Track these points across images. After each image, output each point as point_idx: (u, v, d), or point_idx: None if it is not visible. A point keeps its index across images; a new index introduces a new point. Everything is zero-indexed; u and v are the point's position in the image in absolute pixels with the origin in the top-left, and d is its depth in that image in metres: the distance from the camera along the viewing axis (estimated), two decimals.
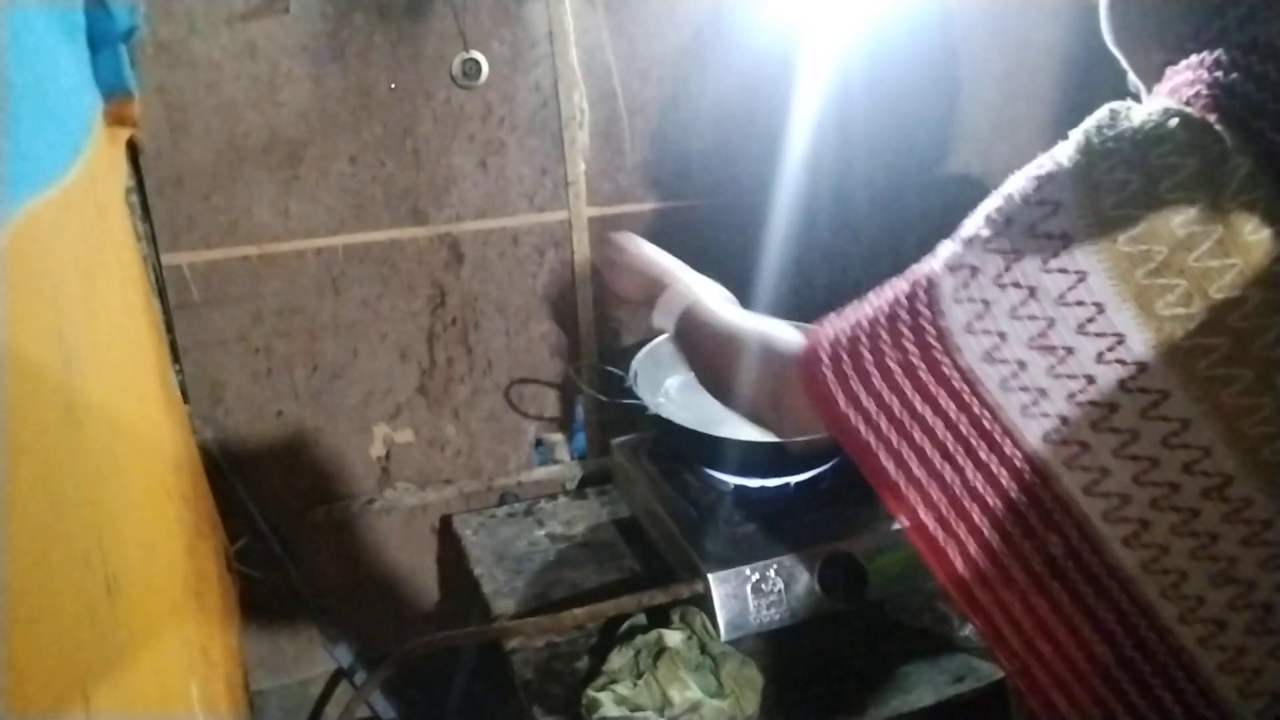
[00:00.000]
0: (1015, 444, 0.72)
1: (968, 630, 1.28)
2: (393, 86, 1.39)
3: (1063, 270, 0.67)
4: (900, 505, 0.77)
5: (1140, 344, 0.66)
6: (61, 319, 0.51)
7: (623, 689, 1.17)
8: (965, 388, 0.72)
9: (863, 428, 0.77)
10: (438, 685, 1.67)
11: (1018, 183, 0.71)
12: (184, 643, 0.84)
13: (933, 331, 0.72)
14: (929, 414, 0.74)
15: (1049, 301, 0.68)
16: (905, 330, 0.74)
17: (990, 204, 0.73)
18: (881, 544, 1.30)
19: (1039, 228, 0.68)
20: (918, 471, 0.76)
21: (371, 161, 1.42)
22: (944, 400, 0.74)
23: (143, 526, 0.71)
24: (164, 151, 1.31)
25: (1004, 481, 0.73)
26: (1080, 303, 0.67)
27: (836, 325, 0.80)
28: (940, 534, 0.76)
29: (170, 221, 1.35)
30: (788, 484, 1.38)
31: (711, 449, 1.35)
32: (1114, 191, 0.65)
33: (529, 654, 1.30)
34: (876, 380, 0.76)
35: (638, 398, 1.36)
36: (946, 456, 0.75)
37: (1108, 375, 0.67)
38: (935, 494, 0.76)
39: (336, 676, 1.68)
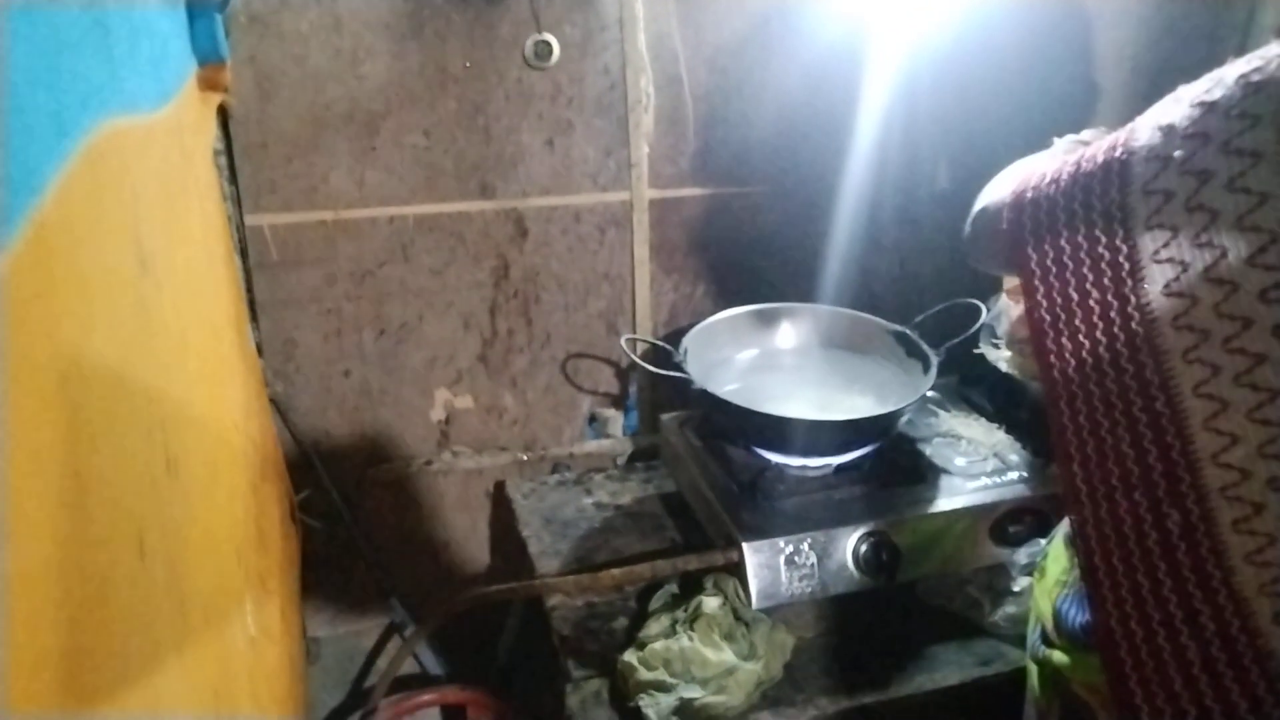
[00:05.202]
0: (1157, 368, 0.73)
1: (998, 616, 1.30)
2: (467, 64, 1.46)
3: (1246, 191, 0.67)
4: (1042, 357, 0.82)
5: None
6: (139, 226, 0.57)
7: (657, 655, 1.21)
8: (1129, 281, 0.74)
9: (1037, 274, 0.82)
10: (486, 643, 1.74)
11: (1224, 88, 0.69)
12: (240, 559, 0.91)
13: (1119, 216, 0.75)
14: (1094, 293, 0.77)
15: (1227, 227, 0.68)
16: (1095, 204, 0.77)
17: (1193, 102, 0.71)
18: (918, 527, 1.32)
19: (1233, 144, 0.67)
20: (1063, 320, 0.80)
21: (444, 136, 1.49)
22: (1109, 291, 0.76)
23: (206, 438, 0.78)
24: (252, 117, 1.40)
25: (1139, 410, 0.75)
26: (1256, 229, 0.66)
27: (1039, 178, 0.84)
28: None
29: (254, 184, 1.43)
30: (830, 464, 1.41)
31: (755, 426, 1.38)
32: None
33: (568, 612, 1.36)
34: (1062, 241, 0.80)
35: (685, 372, 1.41)
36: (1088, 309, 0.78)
37: (1265, 316, 0.67)
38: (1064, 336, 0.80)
39: (390, 630, 1.76)
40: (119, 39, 0.57)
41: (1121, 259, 0.75)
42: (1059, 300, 0.81)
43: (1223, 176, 0.68)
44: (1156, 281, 0.73)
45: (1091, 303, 0.78)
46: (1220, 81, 0.71)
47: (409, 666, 1.72)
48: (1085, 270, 0.78)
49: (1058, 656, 0.94)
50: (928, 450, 1.47)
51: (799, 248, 1.68)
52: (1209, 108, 0.70)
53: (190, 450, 0.67)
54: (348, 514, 1.63)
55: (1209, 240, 0.69)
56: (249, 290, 1.48)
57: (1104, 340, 0.77)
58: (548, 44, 1.47)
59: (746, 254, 1.68)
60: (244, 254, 1.46)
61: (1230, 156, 0.67)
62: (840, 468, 1.41)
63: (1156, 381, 0.73)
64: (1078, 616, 0.88)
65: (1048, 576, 0.97)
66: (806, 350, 1.60)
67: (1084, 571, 0.82)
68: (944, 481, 1.39)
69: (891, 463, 1.43)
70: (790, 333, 1.62)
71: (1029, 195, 0.85)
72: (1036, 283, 0.82)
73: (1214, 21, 1.71)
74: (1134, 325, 0.75)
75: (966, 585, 1.33)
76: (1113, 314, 0.76)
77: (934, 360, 1.43)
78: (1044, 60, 1.68)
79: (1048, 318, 0.82)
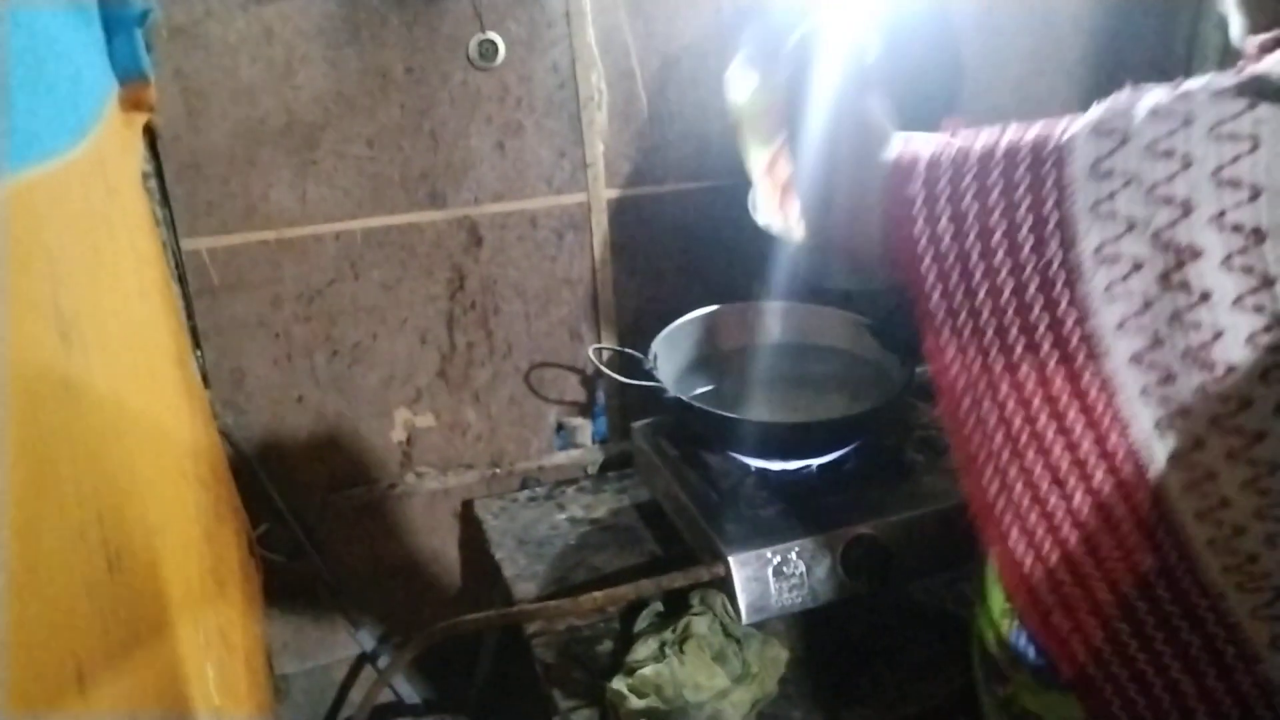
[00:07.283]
0: (1090, 354, 0.65)
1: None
2: (409, 69, 1.38)
3: (1234, 184, 0.60)
4: (938, 359, 0.71)
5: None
6: (59, 292, 0.50)
7: (648, 682, 1.16)
8: (1061, 276, 0.64)
9: (928, 260, 0.70)
10: (462, 669, 1.68)
11: (1204, 79, 0.63)
12: (199, 626, 0.84)
13: (1053, 194, 0.65)
14: (1005, 273, 0.67)
15: (1202, 223, 0.61)
16: (1023, 172, 0.66)
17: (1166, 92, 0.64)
18: (906, 527, 1.28)
19: (1224, 128, 0.61)
20: (964, 325, 0.69)
21: (389, 144, 1.41)
22: (1028, 271, 0.66)
23: (153, 507, 0.71)
24: (182, 136, 1.31)
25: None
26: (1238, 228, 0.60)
27: (941, 146, 0.73)
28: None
29: (189, 206, 1.35)
30: (810, 466, 1.36)
31: (731, 431, 1.33)
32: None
33: (550, 638, 1.30)
34: (965, 217, 0.68)
35: (657, 380, 1.35)
36: (999, 315, 0.67)
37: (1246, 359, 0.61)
38: (971, 352, 0.70)
39: (360, 661, 1.69)
40: (20, 77, 0.49)
41: (1050, 253, 0.65)
42: (954, 302, 0.70)
43: (1210, 163, 0.60)
44: (1100, 280, 0.64)
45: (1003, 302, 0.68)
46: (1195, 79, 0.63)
47: (384, 696, 1.65)
48: (998, 269, 0.67)
49: (1028, 699, 0.84)
50: (911, 445, 1.44)
51: (766, 242, 1.62)
52: (1185, 95, 0.63)
53: (134, 532, 0.60)
54: (310, 546, 1.55)
55: (1172, 240, 0.61)
56: (190, 318, 1.39)
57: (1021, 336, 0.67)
58: (492, 43, 1.40)
59: (712, 251, 1.63)
60: (182, 280, 1.37)
61: (1222, 142, 0.60)
62: (822, 468, 1.37)
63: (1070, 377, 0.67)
64: (1035, 650, 0.80)
65: (991, 605, 0.85)
66: (781, 348, 1.56)
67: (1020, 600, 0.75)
68: (930, 477, 1.36)
69: (874, 460, 1.39)
70: (763, 331, 1.57)
71: (926, 188, 0.72)
72: (923, 271, 0.71)
73: (1162, 23, 1.70)
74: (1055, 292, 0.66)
75: (958, 584, 1.30)
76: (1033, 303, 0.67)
77: (911, 352, 1.39)
78: (998, 37, 1.65)
79: (939, 316, 0.71)
